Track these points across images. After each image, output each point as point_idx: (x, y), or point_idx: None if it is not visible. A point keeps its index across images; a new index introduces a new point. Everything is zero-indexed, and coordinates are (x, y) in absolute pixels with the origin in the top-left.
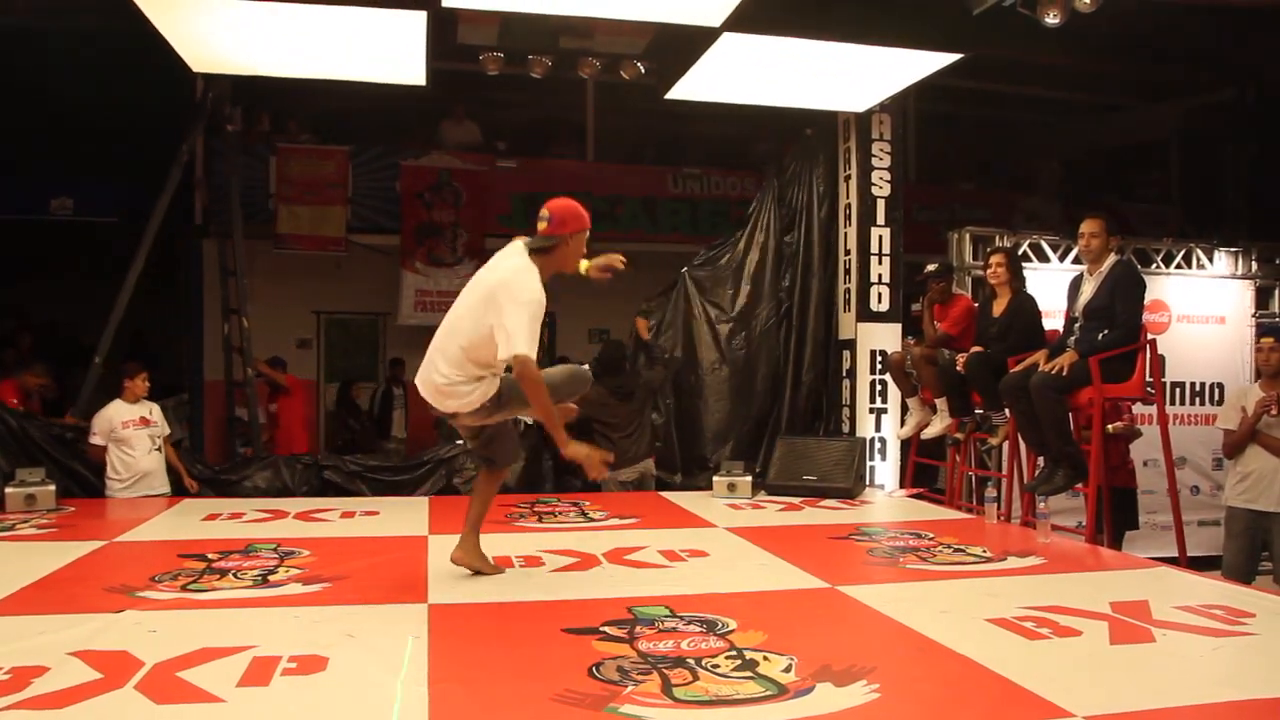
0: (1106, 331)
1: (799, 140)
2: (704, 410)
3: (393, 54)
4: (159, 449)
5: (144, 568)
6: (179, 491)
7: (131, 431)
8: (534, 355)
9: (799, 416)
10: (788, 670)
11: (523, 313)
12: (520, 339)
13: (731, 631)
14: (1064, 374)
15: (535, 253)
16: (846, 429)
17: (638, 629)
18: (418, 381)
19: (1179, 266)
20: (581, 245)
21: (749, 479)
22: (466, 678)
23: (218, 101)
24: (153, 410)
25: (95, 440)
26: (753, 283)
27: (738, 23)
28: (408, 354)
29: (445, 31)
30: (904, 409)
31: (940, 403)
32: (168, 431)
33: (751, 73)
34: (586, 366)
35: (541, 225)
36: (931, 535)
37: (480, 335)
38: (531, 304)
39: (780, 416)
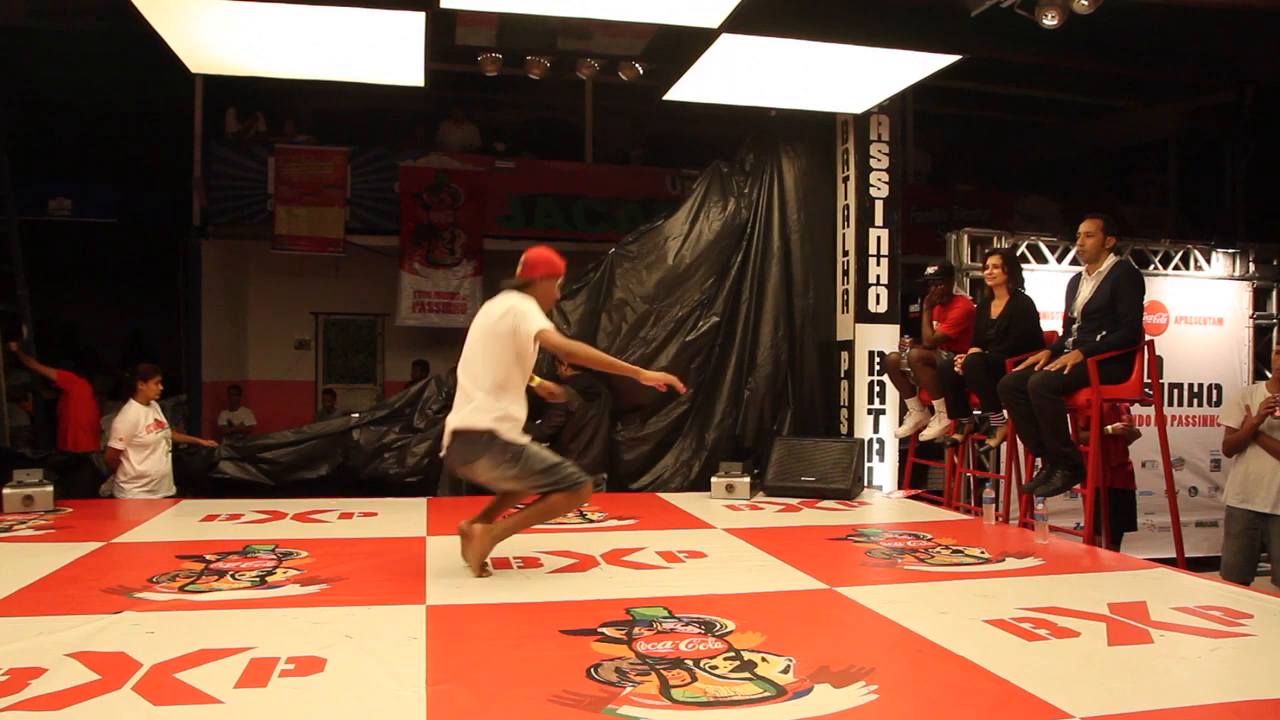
0: (1105, 333)
1: (760, 124)
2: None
3: (391, 55)
4: (169, 451)
5: (142, 569)
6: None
7: (152, 435)
8: (551, 329)
9: (756, 410)
10: (786, 671)
11: (530, 311)
12: (535, 321)
13: (730, 632)
14: (1066, 372)
15: (518, 290)
16: (845, 430)
17: (636, 630)
18: (448, 423)
19: (1176, 268)
20: (552, 288)
21: (747, 480)
22: (465, 679)
23: None
24: (160, 411)
25: (115, 445)
26: (684, 268)
27: (736, 24)
28: (405, 354)
29: (444, 32)
30: (904, 409)
31: (938, 404)
32: (169, 431)
33: (750, 74)
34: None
35: (519, 270)
36: (930, 536)
37: (496, 358)
38: (533, 309)
39: (714, 407)
